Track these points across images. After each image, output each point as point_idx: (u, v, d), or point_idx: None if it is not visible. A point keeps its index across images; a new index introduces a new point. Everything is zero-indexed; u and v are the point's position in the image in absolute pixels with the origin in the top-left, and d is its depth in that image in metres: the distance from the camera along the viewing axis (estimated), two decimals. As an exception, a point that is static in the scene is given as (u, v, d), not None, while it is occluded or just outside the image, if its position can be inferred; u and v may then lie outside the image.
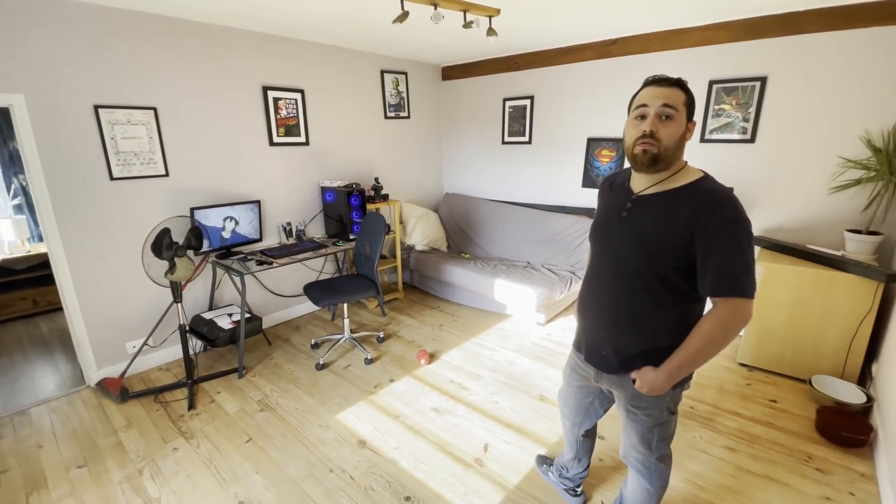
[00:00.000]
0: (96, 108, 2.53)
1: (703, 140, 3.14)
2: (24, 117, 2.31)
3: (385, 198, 3.94)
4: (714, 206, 1.05)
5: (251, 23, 2.94)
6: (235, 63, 3.08)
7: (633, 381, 1.23)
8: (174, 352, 3.07)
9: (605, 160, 3.71)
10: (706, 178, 1.14)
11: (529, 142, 4.17)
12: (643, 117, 1.11)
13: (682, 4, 2.61)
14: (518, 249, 4.13)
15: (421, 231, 4.33)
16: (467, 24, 2.19)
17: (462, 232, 4.56)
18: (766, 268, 2.66)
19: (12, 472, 2.05)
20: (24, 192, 3.99)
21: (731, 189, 1.10)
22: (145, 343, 2.87)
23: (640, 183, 1.20)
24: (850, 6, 2.51)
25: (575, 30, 3.21)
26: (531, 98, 4.05)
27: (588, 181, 3.86)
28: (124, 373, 2.75)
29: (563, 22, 2.97)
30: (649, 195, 1.17)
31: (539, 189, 4.23)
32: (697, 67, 3.09)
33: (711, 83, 3.04)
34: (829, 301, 2.50)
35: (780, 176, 2.93)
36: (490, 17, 2.28)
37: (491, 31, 2.32)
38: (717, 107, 3.06)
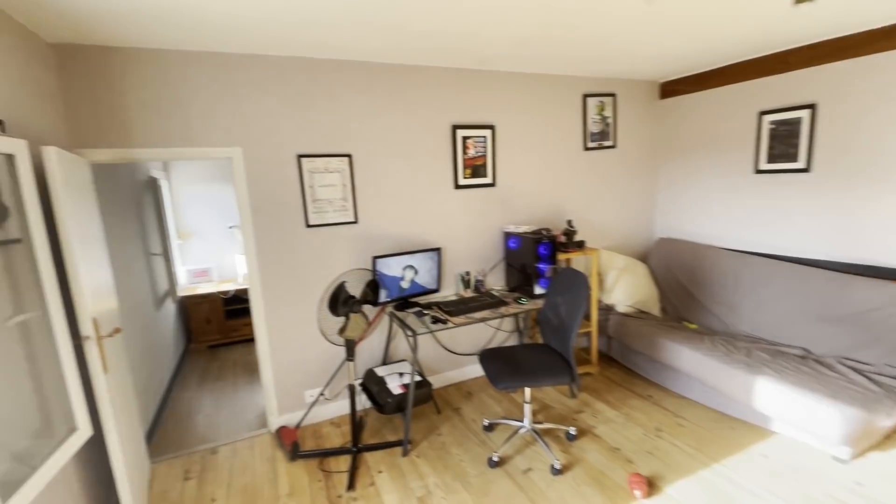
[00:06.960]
0: (299, 157, 2.57)
1: None
2: (240, 168, 2.46)
3: (580, 245, 3.19)
4: None
5: (442, 58, 2.68)
6: (425, 103, 2.87)
7: None
8: (347, 406, 2.90)
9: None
10: None
11: (807, 169, 2.84)
12: None
13: None
14: (788, 328, 2.79)
15: (624, 287, 3.39)
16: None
17: (684, 291, 3.42)
18: None
19: (187, 526, 2.01)
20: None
21: None
22: (321, 394, 2.75)
23: None
24: None
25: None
26: (812, 107, 2.76)
27: (934, 229, 2.33)
28: (299, 424, 2.66)
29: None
30: None
31: (826, 239, 2.81)
32: None
33: None
34: None
35: None
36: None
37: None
38: None
